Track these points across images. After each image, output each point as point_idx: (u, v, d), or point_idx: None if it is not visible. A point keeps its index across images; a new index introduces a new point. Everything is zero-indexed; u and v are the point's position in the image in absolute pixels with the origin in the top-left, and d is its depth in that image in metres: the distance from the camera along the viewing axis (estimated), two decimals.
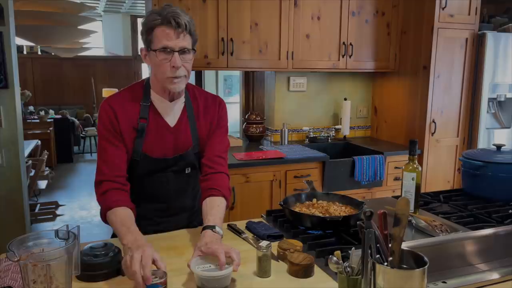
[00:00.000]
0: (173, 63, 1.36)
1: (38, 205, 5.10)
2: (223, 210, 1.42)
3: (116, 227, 1.31)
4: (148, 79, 1.53)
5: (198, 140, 1.55)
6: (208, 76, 6.71)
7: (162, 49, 1.36)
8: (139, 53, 1.44)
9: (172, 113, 1.51)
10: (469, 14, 3.23)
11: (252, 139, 3.54)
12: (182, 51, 1.37)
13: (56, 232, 1.05)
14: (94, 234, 4.35)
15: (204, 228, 1.29)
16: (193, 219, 1.65)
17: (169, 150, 1.51)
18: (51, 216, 4.90)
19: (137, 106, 1.47)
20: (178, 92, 1.48)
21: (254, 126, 3.52)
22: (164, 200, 1.56)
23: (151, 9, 2.75)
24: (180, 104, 1.53)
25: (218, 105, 1.60)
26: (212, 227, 1.28)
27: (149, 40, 1.39)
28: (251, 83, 4.10)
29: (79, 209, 5.22)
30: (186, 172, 1.56)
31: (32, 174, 4.29)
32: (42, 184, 4.86)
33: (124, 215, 1.33)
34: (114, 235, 1.59)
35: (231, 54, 2.95)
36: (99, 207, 1.43)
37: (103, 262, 1.18)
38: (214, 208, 1.39)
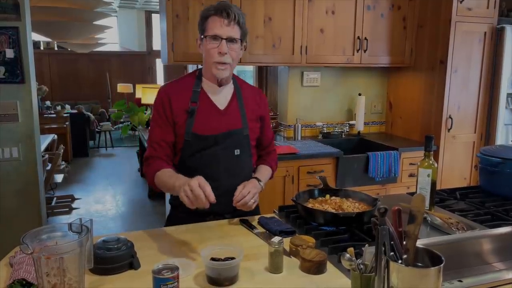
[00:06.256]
0: (220, 49, 1.50)
1: (55, 198, 5.19)
2: (268, 173, 1.75)
3: (165, 180, 1.48)
4: (201, 68, 1.66)
5: (247, 124, 1.65)
6: None
7: (212, 36, 1.50)
8: (197, 44, 1.62)
9: (222, 97, 1.63)
10: (487, 8, 3.16)
11: None
12: (230, 39, 1.51)
13: (70, 225, 1.05)
14: (109, 228, 4.41)
15: (252, 178, 1.60)
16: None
17: (218, 129, 1.60)
18: (67, 209, 4.97)
19: (190, 92, 1.61)
20: (225, 79, 1.60)
21: None
22: (216, 178, 1.55)
23: (165, 4, 2.76)
24: (229, 89, 1.66)
25: (261, 98, 1.75)
26: (258, 179, 1.60)
27: (203, 28, 1.54)
28: (265, 78, 4.09)
29: (95, 202, 5.29)
30: (236, 153, 1.62)
31: (48, 168, 4.35)
32: (58, 177, 4.93)
33: (172, 172, 1.52)
34: (168, 219, 1.70)
35: (244, 49, 2.93)
36: (146, 178, 1.63)
37: (116, 255, 1.18)
38: (262, 170, 1.72)
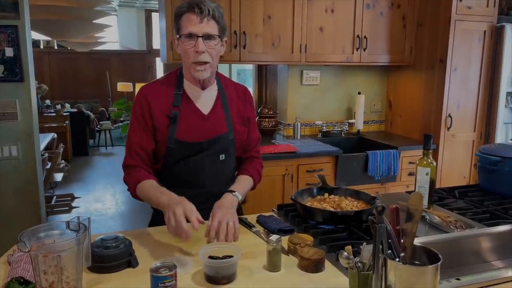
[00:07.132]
0: (197, 48, 1.41)
1: (54, 197, 5.19)
2: (248, 184, 1.61)
3: (149, 193, 1.42)
4: (182, 68, 1.57)
5: (232, 127, 1.58)
6: (221, 69, 6.71)
7: (187, 35, 1.41)
8: (175, 45, 1.53)
9: (205, 101, 1.55)
10: (487, 6, 3.15)
11: (265, 133, 3.52)
12: (207, 36, 1.42)
13: (67, 223, 1.05)
14: (109, 227, 4.41)
15: (226, 191, 1.47)
16: None
17: (203, 136, 1.53)
18: (67, 208, 4.98)
19: (171, 95, 1.52)
20: (207, 80, 1.53)
21: (266, 120, 3.51)
22: (201, 185, 1.56)
23: (164, 2, 2.76)
24: (212, 92, 1.57)
25: (247, 97, 1.66)
26: (232, 192, 1.47)
27: (177, 27, 1.45)
28: (264, 77, 4.08)
29: (94, 201, 5.29)
30: (221, 158, 1.57)
31: (48, 167, 4.35)
32: (58, 176, 4.93)
33: (155, 183, 1.46)
34: (151, 224, 1.62)
35: (244, 47, 2.93)
36: (127, 187, 1.53)
37: (114, 254, 1.18)
38: (240, 180, 1.59)
